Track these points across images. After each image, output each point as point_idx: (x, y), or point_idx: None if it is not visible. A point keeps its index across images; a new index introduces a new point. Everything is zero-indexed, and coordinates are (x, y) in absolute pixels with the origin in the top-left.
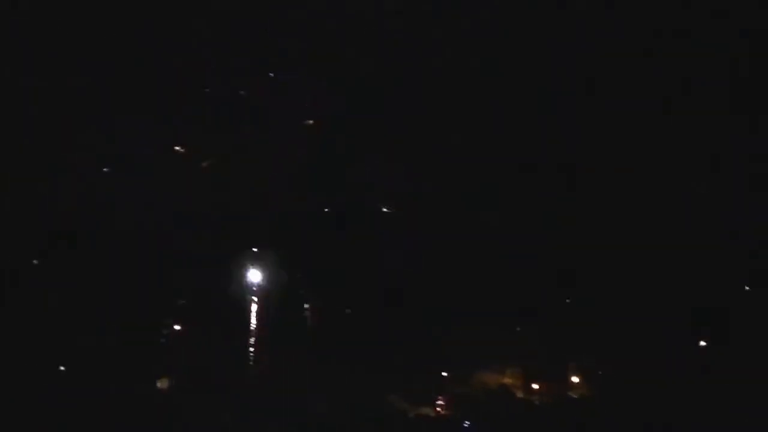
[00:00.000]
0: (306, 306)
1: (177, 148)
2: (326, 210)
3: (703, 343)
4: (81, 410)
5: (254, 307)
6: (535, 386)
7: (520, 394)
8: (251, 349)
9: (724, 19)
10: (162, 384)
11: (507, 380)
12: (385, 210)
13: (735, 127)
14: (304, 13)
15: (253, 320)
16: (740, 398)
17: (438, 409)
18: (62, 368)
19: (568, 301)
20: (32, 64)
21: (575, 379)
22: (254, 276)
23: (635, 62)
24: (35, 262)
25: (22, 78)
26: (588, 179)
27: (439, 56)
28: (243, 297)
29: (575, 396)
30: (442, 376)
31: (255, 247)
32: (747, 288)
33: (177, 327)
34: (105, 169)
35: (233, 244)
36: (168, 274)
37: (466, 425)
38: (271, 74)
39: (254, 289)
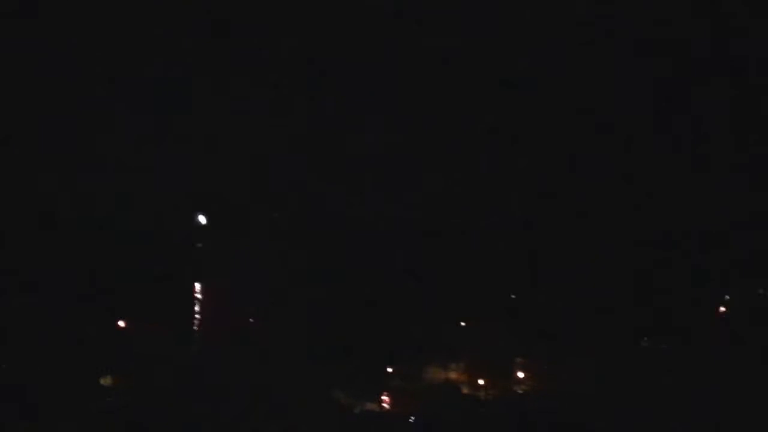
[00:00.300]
0: (253, 305)
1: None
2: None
3: (645, 339)
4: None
5: (200, 305)
6: (481, 381)
7: (465, 390)
8: (197, 347)
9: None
10: (106, 382)
11: (452, 375)
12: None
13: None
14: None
15: (199, 317)
16: (683, 395)
17: (383, 404)
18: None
19: (513, 297)
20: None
21: (520, 375)
22: (202, 274)
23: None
24: None
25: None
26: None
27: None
28: (190, 294)
29: (520, 391)
30: (387, 372)
31: (199, 243)
32: (692, 288)
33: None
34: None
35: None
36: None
37: (411, 420)
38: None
39: (200, 286)
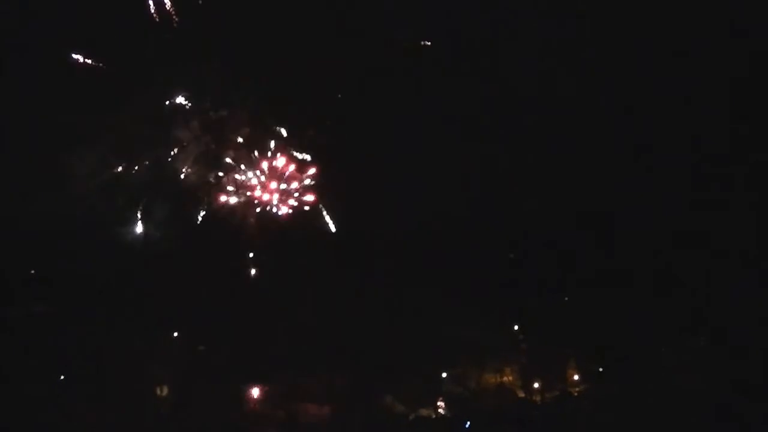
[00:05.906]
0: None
1: None
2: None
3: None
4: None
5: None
6: (536, 385)
7: (520, 393)
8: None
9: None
10: (162, 392)
11: (506, 379)
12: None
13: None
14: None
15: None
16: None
17: (438, 410)
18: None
19: (566, 299)
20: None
21: (575, 377)
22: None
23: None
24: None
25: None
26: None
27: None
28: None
29: (575, 393)
30: (442, 376)
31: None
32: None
33: None
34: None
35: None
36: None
37: (467, 426)
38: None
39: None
